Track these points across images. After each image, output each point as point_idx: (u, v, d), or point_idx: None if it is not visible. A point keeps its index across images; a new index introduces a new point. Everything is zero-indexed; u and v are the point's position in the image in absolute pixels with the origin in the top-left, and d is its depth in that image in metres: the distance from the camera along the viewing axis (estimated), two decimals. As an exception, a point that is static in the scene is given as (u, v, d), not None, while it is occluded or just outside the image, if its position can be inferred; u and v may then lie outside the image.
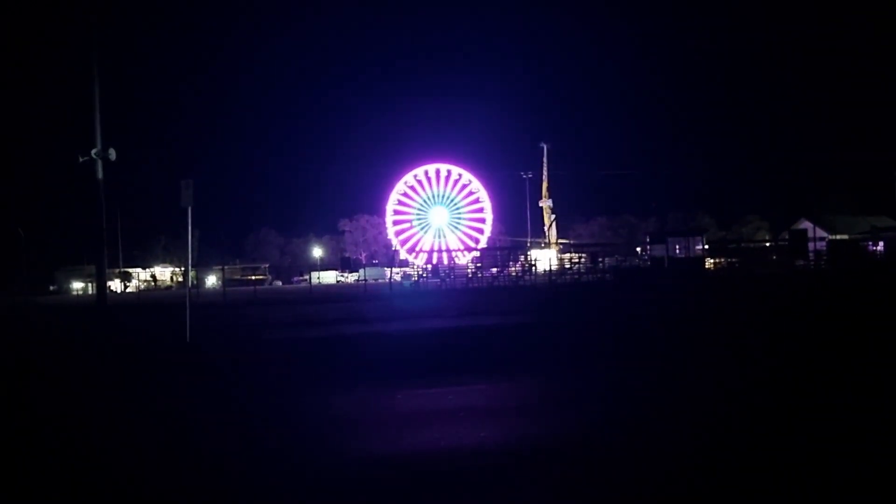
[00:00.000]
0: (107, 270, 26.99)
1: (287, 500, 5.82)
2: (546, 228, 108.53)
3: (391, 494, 5.83)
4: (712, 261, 63.60)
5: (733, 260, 63.92)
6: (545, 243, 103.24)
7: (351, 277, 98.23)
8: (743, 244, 76.89)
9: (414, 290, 52.41)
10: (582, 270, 65.78)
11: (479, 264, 76.02)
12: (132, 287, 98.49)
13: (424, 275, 77.01)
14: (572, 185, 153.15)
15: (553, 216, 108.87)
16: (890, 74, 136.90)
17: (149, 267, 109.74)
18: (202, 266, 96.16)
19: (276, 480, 6.23)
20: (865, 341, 12.53)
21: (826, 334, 14.12)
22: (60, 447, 7.62)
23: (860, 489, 5.51)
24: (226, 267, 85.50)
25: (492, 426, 7.72)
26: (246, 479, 6.29)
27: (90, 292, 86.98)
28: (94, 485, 6.32)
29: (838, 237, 72.62)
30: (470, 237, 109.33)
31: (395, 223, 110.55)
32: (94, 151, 24.35)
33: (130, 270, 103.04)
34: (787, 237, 65.94)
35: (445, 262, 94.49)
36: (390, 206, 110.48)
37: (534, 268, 67.63)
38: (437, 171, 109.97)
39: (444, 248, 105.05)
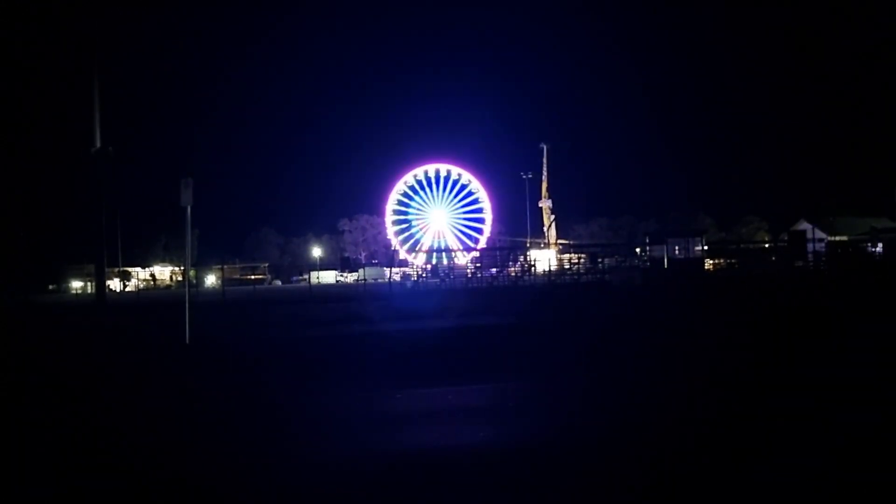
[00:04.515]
0: (106, 269, 26.97)
1: (282, 498, 5.83)
2: (546, 229, 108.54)
3: (386, 489, 5.85)
4: (712, 262, 63.62)
5: (733, 261, 63.96)
6: (545, 243, 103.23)
7: (350, 277, 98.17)
8: (742, 245, 76.99)
9: (413, 291, 52.41)
10: (581, 271, 65.79)
11: (478, 264, 76.01)
12: (131, 286, 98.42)
13: (424, 275, 77.00)
14: (572, 186, 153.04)
15: (553, 216, 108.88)
16: (891, 75, 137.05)
17: (148, 266, 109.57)
18: (202, 265, 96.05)
19: (272, 479, 6.24)
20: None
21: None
22: (59, 448, 7.62)
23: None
24: (225, 266, 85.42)
25: (489, 427, 7.74)
26: (242, 480, 6.29)
27: (89, 291, 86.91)
28: (93, 484, 6.32)
29: (837, 238, 72.63)
30: (469, 237, 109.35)
31: (395, 223, 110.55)
32: (93, 150, 24.35)
33: (130, 269, 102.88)
34: (786, 238, 65.94)
35: (445, 262, 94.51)
36: (390, 206, 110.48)
37: (533, 268, 67.62)
38: (437, 172, 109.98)
39: (443, 248, 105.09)
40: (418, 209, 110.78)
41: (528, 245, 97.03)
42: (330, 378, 11.48)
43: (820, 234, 68.66)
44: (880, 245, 64.78)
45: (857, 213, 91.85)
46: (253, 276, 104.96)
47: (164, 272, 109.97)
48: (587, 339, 15.41)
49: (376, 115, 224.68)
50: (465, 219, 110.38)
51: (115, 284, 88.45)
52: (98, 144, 23.82)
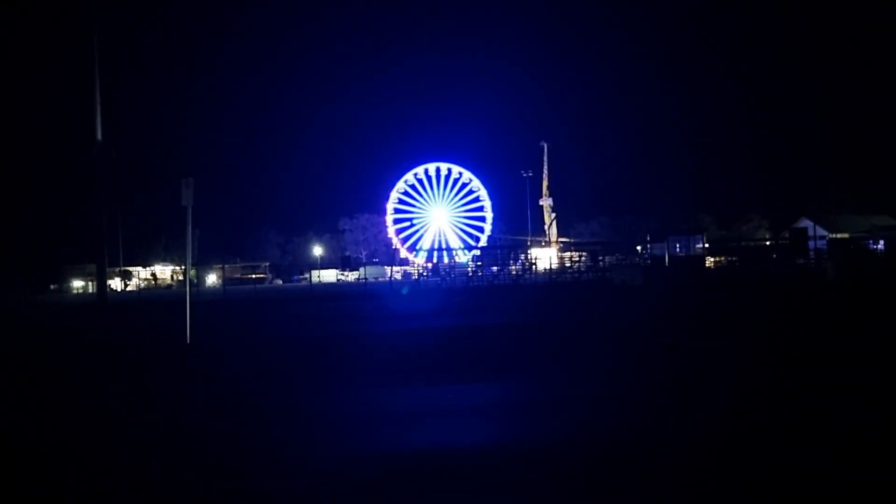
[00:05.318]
0: (107, 269, 27.00)
1: (284, 498, 5.84)
2: (546, 227, 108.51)
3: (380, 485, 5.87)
4: (713, 259, 63.59)
5: (733, 258, 63.95)
6: (546, 242, 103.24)
7: (351, 276, 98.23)
8: (743, 243, 76.94)
9: (414, 289, 52.48)
10: (582, 269, 65.81)
11: (479, 263, 76.02)
12: (132, 286, 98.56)
13: (425, 273, 77.00)
14: (573, 184, 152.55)
15: (553, 215, 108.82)
16: (891, 72, 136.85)
17: (149, 265, 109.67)
18: (203, 265, 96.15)
19: (270, 480, 6.24)
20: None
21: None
22: (59, 450, 7.62)
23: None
24: (226, 266, 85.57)
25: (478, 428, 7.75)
26: (241, 480, 6.30)
27: (90, 291, 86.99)
28: (93, 485, 6.32)
29: (839, 236, 72.53)
30: (470, 236, 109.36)
31: (396, 222, 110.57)
32: (94, 147, 24.39)
33: (131, 269, 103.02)
34: (787, 236, 65.88)
35: (446, 260, 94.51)
36: (391, 204, 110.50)
37: (534, 266, 67.67)
38: (438, 170, 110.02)
39: (444, 246, 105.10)
40: (419, 208, 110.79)
41: (528, 243, 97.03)
42: (331, 378, 11.49)
43: (821, 232, 68.58)
44: (882, 242, 64.69)
45: (859, 211, 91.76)
46: (254, 276, 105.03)
47: (164, 271, 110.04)
48: (588, 340, 15.41)
49: (377, 113, 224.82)
50: (465, 217, 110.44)
51: (116, 284, 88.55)
52: (99, 136, 23.76)
